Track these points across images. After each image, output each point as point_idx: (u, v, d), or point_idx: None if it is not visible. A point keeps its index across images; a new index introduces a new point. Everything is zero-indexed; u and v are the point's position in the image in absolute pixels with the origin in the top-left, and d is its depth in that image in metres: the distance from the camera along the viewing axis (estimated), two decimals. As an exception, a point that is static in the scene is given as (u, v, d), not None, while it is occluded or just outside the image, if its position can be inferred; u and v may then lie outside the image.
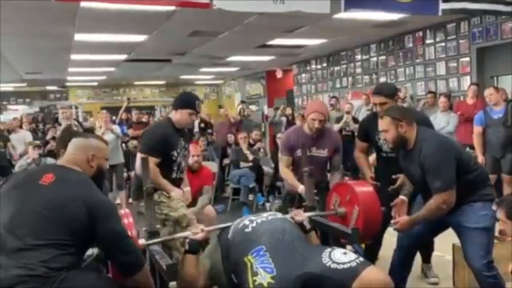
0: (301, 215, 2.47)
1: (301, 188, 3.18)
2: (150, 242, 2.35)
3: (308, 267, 1.85)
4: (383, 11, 4.83)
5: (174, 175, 3.09)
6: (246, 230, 2.13)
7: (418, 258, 3.49)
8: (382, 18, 6.47)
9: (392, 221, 2.77)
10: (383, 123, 2.73)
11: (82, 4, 4.85)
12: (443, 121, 5.97)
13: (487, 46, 6.67)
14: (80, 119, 11.25)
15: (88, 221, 1.86)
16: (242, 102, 11.73)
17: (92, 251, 2.38)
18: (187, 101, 3.09)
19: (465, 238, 2.65)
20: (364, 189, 2.67)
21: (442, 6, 4.51)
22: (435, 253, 3.64)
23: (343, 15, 5.34)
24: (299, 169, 3.28)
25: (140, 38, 7.19)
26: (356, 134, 6.69)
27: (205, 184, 4.54)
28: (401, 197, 2.90)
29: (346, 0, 4.18)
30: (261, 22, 6.24)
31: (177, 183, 3.12)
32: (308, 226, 2.41)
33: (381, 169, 3.40)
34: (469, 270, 2.79)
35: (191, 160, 4.19)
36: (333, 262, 1.80)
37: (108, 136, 5.66)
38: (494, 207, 2.63)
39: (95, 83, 14.66)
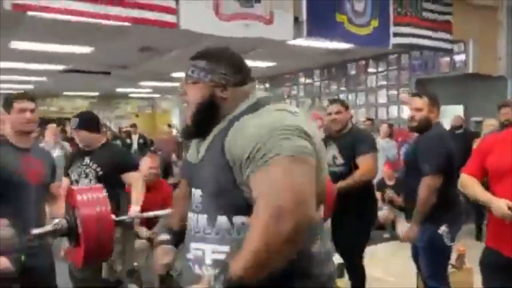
0: None
1: None
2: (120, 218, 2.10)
3: None
4: (341, 41, 5.00)
5: None
6: None
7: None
8: (333, 46, 6.67)
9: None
10: (420, 102, 2.70)
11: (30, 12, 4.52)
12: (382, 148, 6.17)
13: (425, 78, 7.14)
14: None
15: None
16: (169, 125, 11.66)
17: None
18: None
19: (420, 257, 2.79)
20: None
21: (392, 40, 4.88)
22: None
23: (296, 41, 5.42)
24: None
25: (86, 49, 6.84)
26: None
27: (167, 203, 4.16)
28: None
29: (308, 28, 4.32)
30: (219, 42, 6.15)
31: None
32: None
33: None
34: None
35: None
36: None
37: (57, 152, 5.13)
38: (444, 229, 2.60)
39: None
